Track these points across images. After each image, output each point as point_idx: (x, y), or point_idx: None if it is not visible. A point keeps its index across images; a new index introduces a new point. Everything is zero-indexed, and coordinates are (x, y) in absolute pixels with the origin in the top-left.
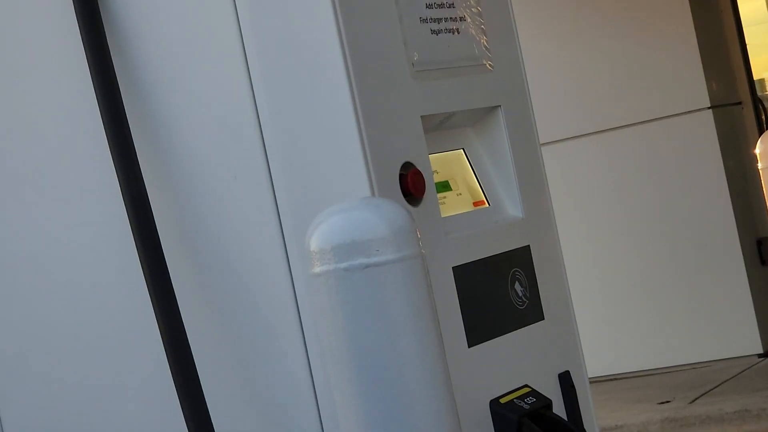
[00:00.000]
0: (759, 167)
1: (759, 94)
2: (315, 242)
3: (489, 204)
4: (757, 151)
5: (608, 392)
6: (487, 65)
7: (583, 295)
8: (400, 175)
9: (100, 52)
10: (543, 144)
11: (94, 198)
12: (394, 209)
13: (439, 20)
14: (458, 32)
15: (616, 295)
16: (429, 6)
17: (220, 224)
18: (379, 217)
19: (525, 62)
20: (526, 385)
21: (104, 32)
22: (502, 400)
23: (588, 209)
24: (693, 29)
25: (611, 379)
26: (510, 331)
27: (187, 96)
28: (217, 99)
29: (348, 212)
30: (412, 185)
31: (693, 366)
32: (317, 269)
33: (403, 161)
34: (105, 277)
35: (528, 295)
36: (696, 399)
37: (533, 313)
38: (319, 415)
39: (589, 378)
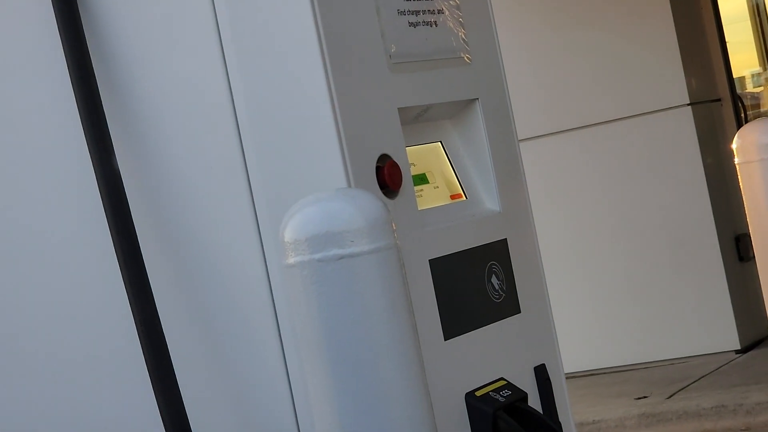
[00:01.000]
0: (736, 162)
1: (738, 91)
2: (289, 233)
3: (466, 197)
4: (734, 146)
5: (586, 387)
6: (465, 58)
7: (562, 290)
8: (377, 168)
9: (77, 45)
10: (522, 140)
11: (69, 187)
12: (369, 200)
13: (416, 12)
14: (436, 25)
15: (594, 291)
16: None
17: (195, 214)
18: (354, 207)
19: (503, 56)
20: (501, 378)
21: (81, 25)
22: (478, 393)
23: (567, 205)
24: (673, 26)
25: (589, 375)
26: (486, 324)
27: (163, 88)
28: (193, 90)
29: (323, 203)
30: (388, 177)
31: (671, 362)
32: (291, 260)
33: (379, 153)
34: (80, 266)
35: (505, 288)
36: (673, 394)
37: (510, 306)
38: (294, 406)
39: (567, 373)
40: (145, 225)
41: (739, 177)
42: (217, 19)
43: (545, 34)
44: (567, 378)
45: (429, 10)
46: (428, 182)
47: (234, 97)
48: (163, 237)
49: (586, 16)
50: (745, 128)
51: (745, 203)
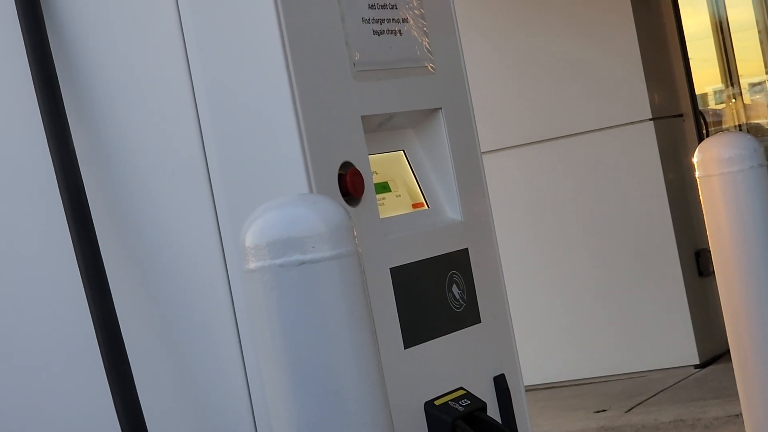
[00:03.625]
0: (697, 176)
1: (701, 107)
2: (250, 238)
3: (428, 206)
4: (695, 159)
5: (545, 400)
6: (429, 67)
7: (521, 303)
8: (339, 175)
9: (40, 46)
10: (485, 152)
11: (30, 190)
12: (330, 206)
13: (381, 21)
14: (400, 33)
15: (553, 305)
16: (371, 6)
17: (157, 220)
18: (316, 213)
19: (467, 67)
20: (461, 388)
21: (44, 25)
22: (437, 402)
23: (527, 218)
24: (636, 41)
25: (548, 388)
26: (446, 334)
27: (126, 91)
28: (156, 95)
29: (284, 208)
30: (351, 185)
31: (630, 376)
32: (252, 265)
33: (342, 161)
34: (40, 267)
35: (465, 297)
36: (632, 408)
37: (470, 315)
38: (252, 412)
39: (526, 386)
40: (105, 228)
41: (699, 191)
42: (182, 25)
43: (508, 49)
44: (526, 390)
45: (394, 19)
46: (390, 191)
47: (197, 102)
48: (123, 241)
49: (549, 30)
50: (706, 142)
51: (705, 218)
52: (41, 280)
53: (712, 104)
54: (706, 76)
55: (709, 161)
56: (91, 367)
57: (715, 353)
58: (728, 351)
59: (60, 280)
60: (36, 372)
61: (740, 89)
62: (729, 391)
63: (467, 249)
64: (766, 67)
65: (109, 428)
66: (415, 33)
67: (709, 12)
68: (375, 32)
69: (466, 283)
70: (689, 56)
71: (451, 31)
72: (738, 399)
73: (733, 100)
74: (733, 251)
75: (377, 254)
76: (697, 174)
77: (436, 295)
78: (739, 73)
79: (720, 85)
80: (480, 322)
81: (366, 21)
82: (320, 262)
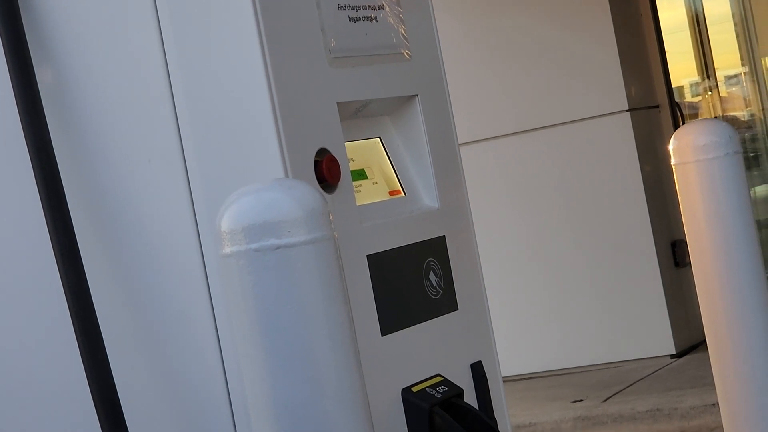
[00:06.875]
0: (672, 163)
1: (677, 100)
2: (226, 223)
3: (405, 193)
4: (670, 147)
5: (522, 391)
6: (405, 54)
7: (500, 294)
8: (315, 162)
9: (15, 35)
10: (462, 144)
11: (5, 177)
12: (306, 191)
13: (357, 8)
14: (376, 20)
15: (529, 295)
16: None
17: (133, 206)
18: (291, 198)
19: (444, 57)
20: (438, 375)
21: (20, 17)
22: (414, 389)
23: (505, 210)
24: (613, 33)
25: (525, 378)
26: (424, 321)
27: (102, 80)
28: (132, 83)
29: (260, 193)
30: (327, 172)
31: (607, 366)
32: (228, 250)
33: (318, 147)
34: (15, 257)
35: (442, 285)
36: (609, 398)
37: (447, 303)
38: (229, 398)
39: (505, 377)
40: (81, 215)
41: (675, 178)
42: (158, 14)
43: (485, 41)
44: (504, 381)
45: (369, 6)
46: (367, 178)
47: (173, 89)
48: (99, 228)
49: (526, 23)
50: (682, 129)
51: (681, 205)
52: (16, 267)
53: (688, 97)
54: (682, 69)
55: (685, 148)
56: (67, 354)
57: (691, 343)
58: (704, 341)
59: (35, 267)
60: (12, 360)
61: (716, 82)
62: (705, 381)
63: (444, 236)
64: (741, 59)
65: (85, 414)
66: (391, 20)
67: (685, 5)
68: (351, 19)
69: (443, 270)
70: (666, 49)
71: (427, 18)
72: (714, 388)
73: (710, 93)
74: (709, 239)
75: (354, 241)
76: (672, 161)
77: (413, 282)
78: (715, 66)
79: (696, 78)
80: (457, 309)
81: (342, 8)
82: (296, 247)
